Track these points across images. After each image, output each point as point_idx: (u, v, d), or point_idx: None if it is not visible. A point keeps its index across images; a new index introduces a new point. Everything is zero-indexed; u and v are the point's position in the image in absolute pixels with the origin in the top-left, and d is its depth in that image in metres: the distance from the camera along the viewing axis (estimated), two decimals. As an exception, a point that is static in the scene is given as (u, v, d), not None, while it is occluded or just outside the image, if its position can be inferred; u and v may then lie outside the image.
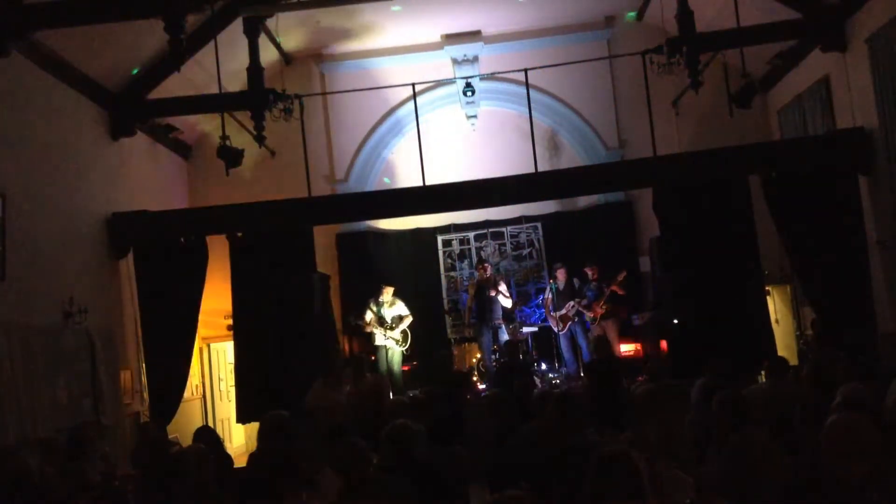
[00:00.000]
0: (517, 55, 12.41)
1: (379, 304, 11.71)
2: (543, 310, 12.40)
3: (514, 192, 10.61)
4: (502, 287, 11.83)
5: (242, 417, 10.29)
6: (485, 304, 11.78)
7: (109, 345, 9.61)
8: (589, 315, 11.71)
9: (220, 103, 9.97)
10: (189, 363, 10.49)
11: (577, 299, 11.76)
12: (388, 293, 11.80)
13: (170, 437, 9.27)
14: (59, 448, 6.67)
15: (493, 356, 11.73)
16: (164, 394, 9.98)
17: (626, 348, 11.82)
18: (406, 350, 11.80)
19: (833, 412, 4.41)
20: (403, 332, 11.74)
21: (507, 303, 11.82)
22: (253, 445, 7.23)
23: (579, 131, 13.21)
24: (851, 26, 9.74)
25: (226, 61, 9.49)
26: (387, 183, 13.01)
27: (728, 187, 9.88)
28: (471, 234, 13.42)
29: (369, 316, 11.61)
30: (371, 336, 11.80)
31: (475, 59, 13.06)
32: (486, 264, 12.10)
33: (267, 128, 10.20)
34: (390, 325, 11.63)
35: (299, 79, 12.42)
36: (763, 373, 8.43)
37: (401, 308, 11.83)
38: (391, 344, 11.66)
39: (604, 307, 11.60)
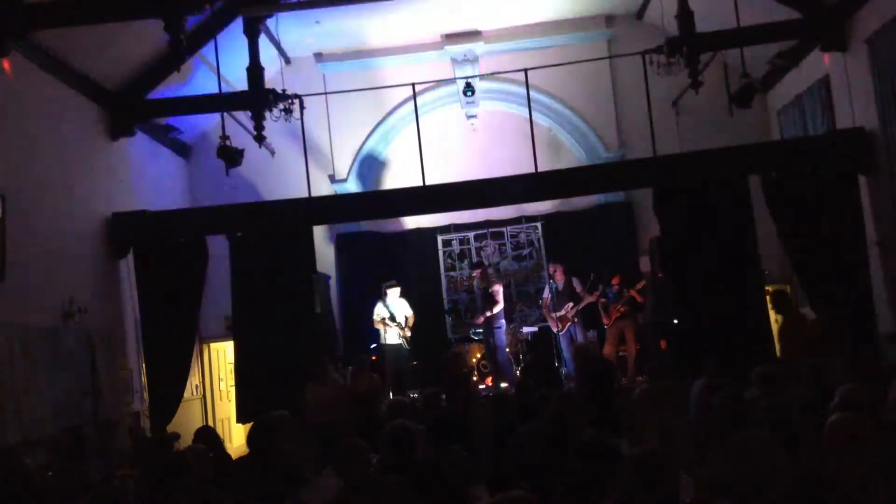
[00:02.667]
0: (517, 55, 12.41)
1: (387, 305, 11.77)
2: (543, 310, 12.43)
3: (514, 192, 10.61)
4: (495, 289, 11.88)
5: (242, 417, 10.30)
6: (483, 303, 11.89)
7: (109, 345, 9.61)
8: (605, 319, 11.74)
9: (220, 103, 9.97)
10: (189, 363, 10.49)
11: (597, 296, 11.74)
12: (394, 293, 11.86)
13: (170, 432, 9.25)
14: (62, 448, 6.68)
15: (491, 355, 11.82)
16: (164, 394, 9.98)
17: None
18: (410, 349, 11.89)
19: (832, 412, 4.42)
20: (410, 329, 11.84)
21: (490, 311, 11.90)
22: (253, 445, 7.22)
23: (579, 131, 13.21)
24: (851, 26, 9.74)
25: (226, 61, 9.49)
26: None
27: (728, 187, 9.88)
28: (471, 234, 13.42)
29: (384, 315, 11.66)
30: (378, 335, 11.86)
31: (475, 59, 13.05)
32: (479, 270, 12.18)
33: (267, 128, 10.19)
34: (401, 325, 11.69)
35: (299, 79, 12.41)
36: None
37: (405, 307, 11.90)
38: (402, 342, 11.72)
39: (621, 309, 11.61)
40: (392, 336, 11.63)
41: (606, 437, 4.47)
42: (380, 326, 11.66)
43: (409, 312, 11.82)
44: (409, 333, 11.68)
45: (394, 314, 11.68)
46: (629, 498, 3.51)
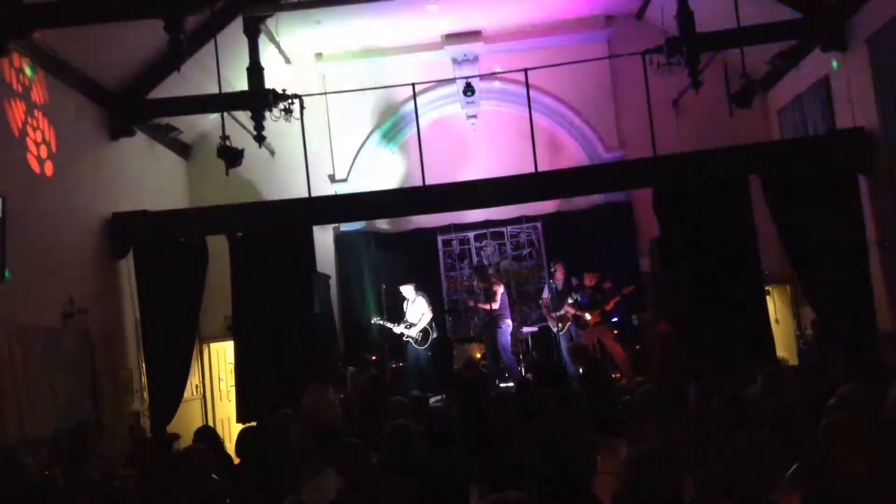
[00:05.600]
0: (517, 55, 12.41)
1: (403, 305, 12.01)
2: (543, 310, 12.44)
3: (514, 192, 10.62)
4: (496, 289, 11.94)
5: (242, 417, 10.27)
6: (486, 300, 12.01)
7: (109, 345, 9.61)
8: (583, 318, 11.72)
9: (220, 103, 9.96)
10: (189, 363, 10.48)
11: (569, 301, 11.78)
12: (407, 292, 11.92)
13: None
14: (62, 448, 6.69)
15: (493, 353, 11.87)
16: (164, 394, 9.97)
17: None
18: (427, 348, 11.92)
19: (831, 412, 4.42)
20: (423, 330, 11.84)
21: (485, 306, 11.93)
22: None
23: (579, 131, 13.21)
24: (851, 26, 9.74)
25: (226, 61, 9.49)
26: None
27: (728, 187, 9.88)
28: (471, 234, 13.42)
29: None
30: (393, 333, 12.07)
31: (475, 59, 13.05)
32: (479, 274, 12.35)
33: (267, 128, 10.19)
34: (409, 324, 11.76)
35: (299, 79, 12.42)
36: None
37: (422, 306, 11.94)
38: (410, 341, 11.85)
39: (597, 315, 11.65)
40: (409, 336, 11.83)
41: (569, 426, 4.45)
42: (395, 327, 11.90)
43: (425, 310, 11.89)
44: (412, 332, 11.77)
45: (405, 314, 11.82)
46: (627, 499, 3.51)
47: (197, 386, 12.21)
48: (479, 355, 12.03)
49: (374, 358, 11.71)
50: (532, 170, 10.46)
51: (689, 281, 9.90)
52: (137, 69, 10.41)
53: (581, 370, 9.91)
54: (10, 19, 7.93)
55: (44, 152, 8.79)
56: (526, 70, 10.62)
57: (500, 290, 11.99)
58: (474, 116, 13.17)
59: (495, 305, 11.77)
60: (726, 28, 9.79)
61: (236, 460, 6.22)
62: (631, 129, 12.63)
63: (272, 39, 11.26)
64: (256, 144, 10.26)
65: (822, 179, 9.58)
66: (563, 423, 5.32)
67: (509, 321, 11.91)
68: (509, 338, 11.83)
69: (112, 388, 9.49)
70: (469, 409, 7.43)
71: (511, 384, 11.05)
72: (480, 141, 13.19)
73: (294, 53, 12.89)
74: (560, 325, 11.87)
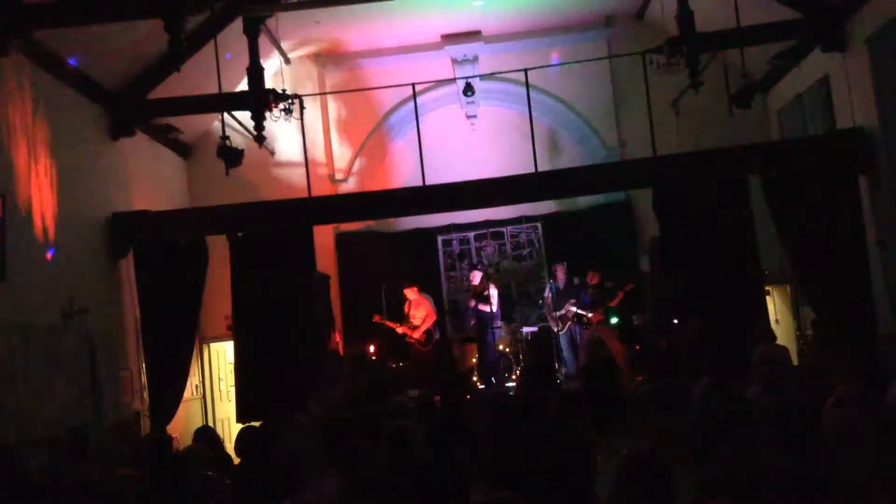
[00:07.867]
0: (517, 55, 12.42)
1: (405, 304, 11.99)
2: (544, 309, 12.44)
3: (514, 192, 10.62)
4: (490, 292, 11.92)
5: (242, 417, 10.28)
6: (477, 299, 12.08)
7: (109, 345, 9.61)
8: (585, 317, 11.73)
9: (220, 103, 9.97)
10: (189, 363, 10.50)
11: (572, 300, 11.79)
12: (410, 293, 11.92)
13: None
14: (62, 448, 6.69)
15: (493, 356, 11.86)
16: (164, 394, 9.98)
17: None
18: (430, 349, 11.93)
19: (830, 412, 4.41)
20: (426, 332, 11.82)
21: (486, 308, 11.89)
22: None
23: (579, 131, 13.21)
24: (851, 26, 9.74)
25: (226, 61, 9.49)
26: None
27: (728, 187, 9.88)
28: (471, 234, 13.42)
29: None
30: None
31: (475, 59, 13.05)
32: (474, 272, 12.35)
33: (267, 128, 10.19)
34: (413, 325, 11.75)
35: (299, 79, 12.41)
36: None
37: (423, 307, 11.94)
38: (414, 343, 11.86)
39: (599, 314, 11.66)
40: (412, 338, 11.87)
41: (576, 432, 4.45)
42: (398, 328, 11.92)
43: (428, 311, 11.89)
44: (411, 333, 11.76)
45: (409, 315, 11.90)
46: (620, 499, 3.51)
47: (197, 386, 12.21)
48: (475, 359, 12.06)
49: (373, 358, 11.70)
50: (532, 170, 10.47)
51: (689, 281, 9.91)
52: (137, 69, 10.40)
53: (590, 365, 9.87)
54: (10, 19, 7.92)
55: (44, 152, 8.80)
56: (526, 70, 10.62)
57: (494, 292, 12.04)
58: (474, 116, 13.17)
59: (488, 308, 11.82)
60: (726, 28, 9.79)
61: (236, 460, 6.22)
62: (631, 129, 12.64)
63: (272, 39, 11.26)
64: (256, 144, 10.25)
65: (822, 179, 9.59)
66: (563, 423, 5.30)
67: (500, 323, 11.95)
68: (495, 340, 11.87)
69: (112, 388, 9.49)
70: (451, 409, 7.40)
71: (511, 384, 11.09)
72: (480, 141, 13.19)
73: (294, 53, 12.89)
74: (561, 324, 11.87)
